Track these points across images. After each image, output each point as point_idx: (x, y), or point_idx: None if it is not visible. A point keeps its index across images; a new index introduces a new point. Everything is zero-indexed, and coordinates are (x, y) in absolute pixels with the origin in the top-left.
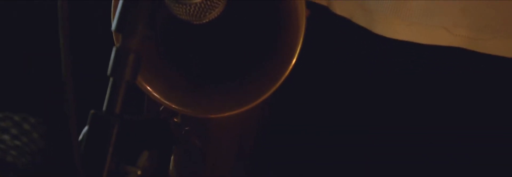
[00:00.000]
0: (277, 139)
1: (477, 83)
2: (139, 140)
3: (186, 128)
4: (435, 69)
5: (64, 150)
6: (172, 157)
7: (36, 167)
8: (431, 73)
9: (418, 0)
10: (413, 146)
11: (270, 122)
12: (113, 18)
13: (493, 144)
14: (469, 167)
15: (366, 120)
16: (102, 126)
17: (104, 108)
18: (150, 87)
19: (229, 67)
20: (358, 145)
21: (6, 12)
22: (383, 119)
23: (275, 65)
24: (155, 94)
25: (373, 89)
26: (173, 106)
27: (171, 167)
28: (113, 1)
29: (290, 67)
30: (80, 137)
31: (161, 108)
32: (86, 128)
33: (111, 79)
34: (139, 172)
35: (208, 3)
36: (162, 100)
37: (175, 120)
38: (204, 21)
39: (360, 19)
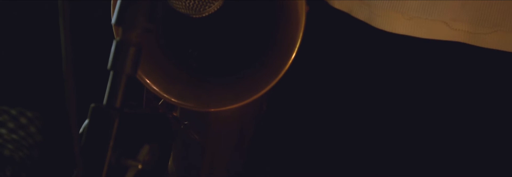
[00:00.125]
0: (275, 133)
1: (477, 78)
2: (139, 134)
3: (185, 122)
4: (434, 64)
5: (62, 143)
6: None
7: (33, 160)
8: (431, 68)
9: None
10: (412, 140)
11: (268, 117)
12: (113, 11)
13: (492, 138)
14: (466, 163)
15: (364, 114)
16: (102, 119)
17: (104, 101)
18: (149, 81)
19: (229, 61)
20: (356, 140)
21: (1, 10)
22: (381, 113)
23: (275, 59)
24: (155, 87)
25: (372, 83)
26: (173, 100)
27: (170, 162)
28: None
29: (290, 61)
30: (81, 130)
31: (160, 102)
32: (86, 122)
33: (111, 72)
34: (140, 166)
35: None
36: (162, 93)
37: (174, 114)
38: (203, 15)
39: (359, 13)
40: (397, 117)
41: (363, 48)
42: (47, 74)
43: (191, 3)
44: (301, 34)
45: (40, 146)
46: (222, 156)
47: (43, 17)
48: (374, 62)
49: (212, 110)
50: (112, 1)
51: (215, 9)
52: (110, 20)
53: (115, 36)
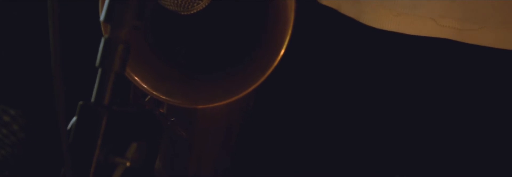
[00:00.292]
0: (262, 130)
1: (464, 74)
2: (127, 131)
3: (172, 119)
4: (422, 61)
5: (45, 141)
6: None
7: (16, 158)
8: (419, 64)
9: None
10: (397, 136)
11: (255, 113)
12: (101, 8)
13: (481, 133)
14: (457, 159)
15: (352, 110)
16: (90, 117)
17: (92, 99)
18: (138, 78)
19: (217, 58)
20: (344, 136)
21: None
22: (370, 110)
23: (264, 55)
24: (143, 84)
25: (360, 80)
26: (161, 97)
27: (157, 159)
28: None
29: (279, 57)
30: (68, 128)
31: (147, 98)
32: (74, 119)
33: (99, 70)
34: (128, 164)
35: None
36: (150, 90)
37: (161, 110)
38: (191, 12)
39: (347, 10)
40: (386, 113)
41: (351, 45)
42: (29, 72)
43: (179, 0)
44: (290, 31)
45: (23, 144)
46: (209, 153)
47: (27, 15)
48: (362, 58)
49: (201, 106)
50: None
51: (204, 6)
52: (98, 16)
53: (103, 33)
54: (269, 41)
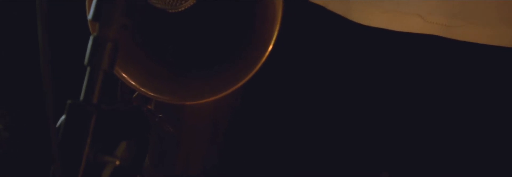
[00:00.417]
0: (249, 126)
1: (453, 70)
2: (117, 130)
3: (160, 115)
4: (411, 57)
5: (30, 141)
6: None
7: (0, 158)
8: (407, 60)
9: None
10: (386, 131)
11: (243, 110)
12: (89, 7)
13: (470, 127)
14: (447, 157)
15: (339, 106)
16: (79, 115)
17: (81, 97)
18: (126, 75)
19: (205, 55)
20: (331, 131)
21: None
22: (357, 105)
23: (251, 52)
24: (132, 81)
25: (348, 76)
26: (150, 93)
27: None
28: None
29: (267, 54)
30: (57, 126)
31: (134, 95)
32: (63, 118)
33: (88, 68)
34: (117, 162)
35: None
36: (139, 87)
37: (149, 107)
38: (179, 10)
39: (335, 7)
40: (374, 108)
41: (340, 42)
42: (13, 70)
43: None
44: (277, 28)
45: (6, 143)
46: (197, 150)
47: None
48: (350, 55)
49: (189, 103)
50: None
51: (191, 3)
52: (85, 15)
53: (91, 32)
54: (257, 39)
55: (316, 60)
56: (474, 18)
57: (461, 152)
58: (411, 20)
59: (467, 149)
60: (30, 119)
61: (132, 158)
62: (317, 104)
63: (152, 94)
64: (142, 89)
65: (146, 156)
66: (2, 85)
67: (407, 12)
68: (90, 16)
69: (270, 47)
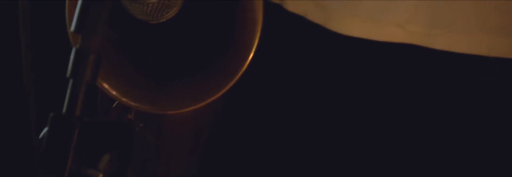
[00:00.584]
0: (230, 135)
1: (432, 78)
2: (100, 142)
3: (140, 125)
4: (390, 66)
5: (12, 152)
6: None
7: None
8: (387, 69)
9: None
10: (365, 140)
11: (223, 118)
12: (68, 16)
13: (447, 135)
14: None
15: (320, 116)
16: (62, 128)
17: (64, 110)
18: (107, 85)
19: (186, 64)
20: (312, 141)
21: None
22: (337, 114)
23: (232, 60)
24: (113, 92)
25: (326, 85)
26: (132, 103)
27: None
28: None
29: (247, 62)
30: (40, 139)
31: (114, 105)
32: (45, 131)
33: (70, 81)
34: (100, 175)
35: (165, 2)
36: (120, 97)
37: (130, 116)
38: (160, 21)
39: (314, 16)
40: (353, 116)
41: (319, 51)
42: None
43: (148, 9)
44: (258, 35)
45: None
46: (178, 157)
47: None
48: (330, 64)
49: (171, 112)
50: (67, 9)
51: (173, 15)
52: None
53: (72, 44)
54: (238, 47)
55: (296, 70)
56: (453, 27)
57: (440, 161)
58: (390, 30)
59: (447, 157)
60: (13, 133)
61: (116, 170)
62: (298, 113)
63: (133, 104)
64: (124, 99)
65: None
66: None
67: (386, 22)
68: (72, 28)
69: (251, 55)
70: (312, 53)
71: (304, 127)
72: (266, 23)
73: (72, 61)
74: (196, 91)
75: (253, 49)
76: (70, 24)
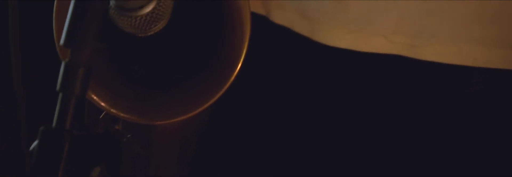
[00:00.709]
0: (218, 144)
1: (417, 90)
2: (90, 155)
3: (128, 136)
4: (376, 77)
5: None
6: None
7: None
8: (372, 81)
9: (357, 7)
10: (352, 152)
11: (211, 127)
12: (55, 30)
13: (433, 148)
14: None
15: (306, 127)
16: (52, 142)
17: (54, 123)
18: (96, 97)
19: (175, 74)
20: (300, 152)
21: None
22: (323, 125)
23: (220, 71)
24: (102, 103)
25: (313, 96)
26: (121, 114)
27: None
28: (54, 11)
29: (235, 72)
30: (29, 153)
31: (101, 116)
32: (35, 144)
33: (60, 94)
34: None
35: (154, 15)
36: (109, 108)
37: (117, 127)
38: (148, 34)
39: (300, 28)
40: (339, 127)
41: (305, 62)
42: None
43: (137, 22)
44: (245, 46)
45: None
46: (166, 167)
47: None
48: (316, 76)
49: (159, 122)
50: (54, 23)
51: (161, 27)
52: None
53: (60, 57)
54: (226, 58)
55: (283, 81)
56: (438, 37)
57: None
58: (375, 41)
59: (432, 169)
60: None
61: None
62: (284, 123)
63: (123, 115)
64: (113, 110)
65: None
66: None
67: (372, 33)
68: (61, 42)
69: (239, 66)
70: (298, 64)
71: (290, 136)
72: (252, 35)
73: (62, 75)
74: (184, 101)
75: (241, 60)
76: (58, 38)
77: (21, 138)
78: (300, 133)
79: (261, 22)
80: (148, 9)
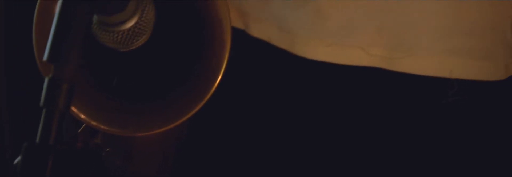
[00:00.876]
0: (196, 154)
1: (394, 101)
2: (72, 170)
3: (107, 149)
4: (354, 89)
5: None
6: None
7: None
8: (351, 93)
9: (335, 20)
10: (333, 164)
11: (190, 138)
12: (35, 45)
13: (414, 160)
14: None
15: (284, 140)
16: (36, 158)
17: (37, 139)
18: (76, 110)
19: (155, 86)
20: (279, 166)
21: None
22: (302, 138)
23: (201, 83)
24: (82, 116)
25: (292, 110)
26: (101, 127)
27: None
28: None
29: (216, 84)
30: (13, 168)
31: (80, 129)
32: (18, 160)
33: (44, 110)
34: None
35: (136, 30)
36: (89, 120)
37: (96, 140)
38: (130, 49)
39: (279, 41)
40: (319, 141)
41: (284, 76)
42: None
43: (119, 37)
44: (225, 59)
45: None
46: None
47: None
48: (295, 89)
49: (140, 134)
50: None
51: (143, 42)
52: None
53: (42, 73)
54: (206, 70)
55: (262, 94)
56: (414, 50)
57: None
58: (353, 53)
59: None
60: None
61: None
62: (263, 135)
63: (103, 127)
64: (93, 122)
65: None
66: None
67: (350, 45)
68: (45, 58)
69: (219, 78)
70: (277, 78)
71: (268, 149)
72: (231, 49)
73: (45, 90)
74: (166, 112)
75: (221, 73)
76: (39, 54)
77: (5, 154)
78: (278, 144)
79: (239, 36)
80: (130, 24)
